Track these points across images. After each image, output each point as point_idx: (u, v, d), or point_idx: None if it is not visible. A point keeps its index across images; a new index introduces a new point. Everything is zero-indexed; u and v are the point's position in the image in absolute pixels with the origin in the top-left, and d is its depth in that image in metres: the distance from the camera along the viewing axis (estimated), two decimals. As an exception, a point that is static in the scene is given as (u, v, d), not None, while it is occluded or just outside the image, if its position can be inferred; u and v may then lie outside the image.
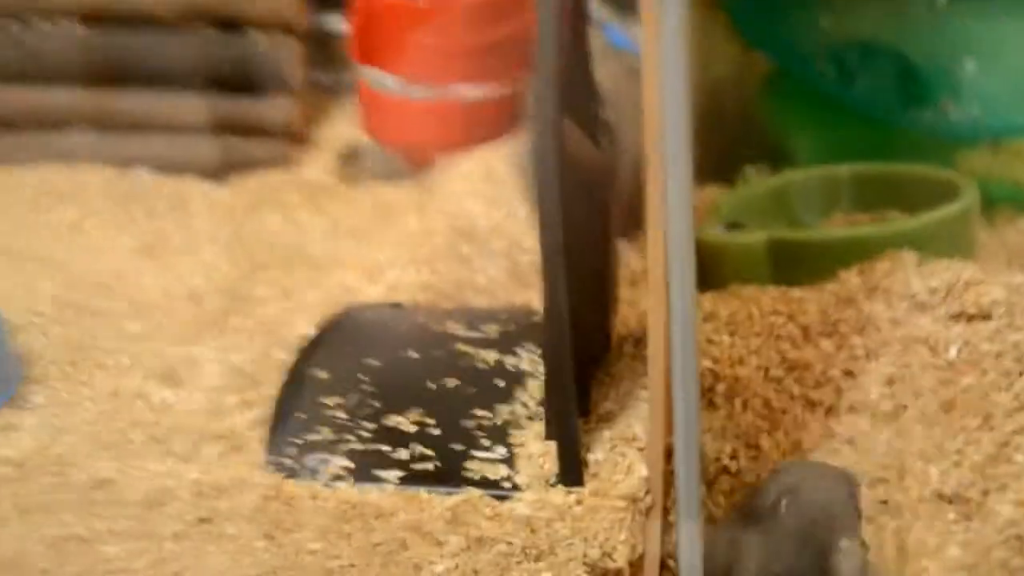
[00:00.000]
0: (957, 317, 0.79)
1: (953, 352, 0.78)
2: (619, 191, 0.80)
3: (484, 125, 0.75)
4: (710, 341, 0.83)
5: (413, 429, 0.76)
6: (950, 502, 0.74)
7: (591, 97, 0.81)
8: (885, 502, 0.77)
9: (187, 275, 0.95)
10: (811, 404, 0.81)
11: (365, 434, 0.76)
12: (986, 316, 0.78)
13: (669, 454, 0.72)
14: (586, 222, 0.75)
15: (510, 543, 0.72)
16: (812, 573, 0.74)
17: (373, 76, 0.74)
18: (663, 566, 0.74)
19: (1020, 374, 0.76)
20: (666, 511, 0.74)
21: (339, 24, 1.12)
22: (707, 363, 0.82)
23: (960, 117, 1.08)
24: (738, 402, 0.82)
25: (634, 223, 0.80)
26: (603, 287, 0.79)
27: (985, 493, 0.73)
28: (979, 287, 0.79)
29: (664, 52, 0.64)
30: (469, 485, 0.73)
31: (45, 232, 0.99)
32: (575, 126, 0.75)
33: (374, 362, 0.81)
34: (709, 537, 0.72)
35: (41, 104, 1.08)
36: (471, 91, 0.74)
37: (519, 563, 0.72)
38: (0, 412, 0.80)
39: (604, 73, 0.88)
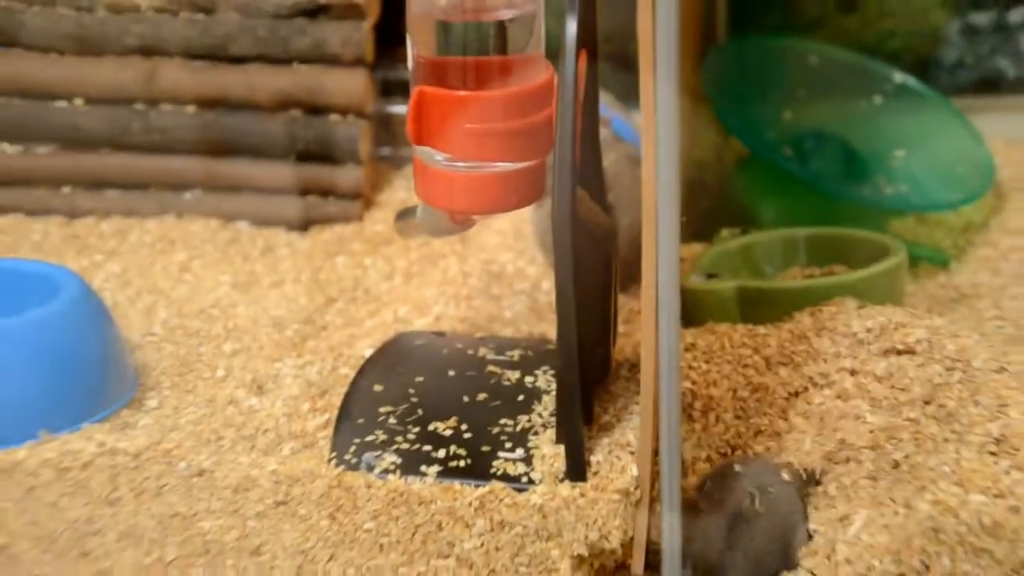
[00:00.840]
0: (888, 352, 0.78)
1: (866, 381, 0.78)
2: (618, 251, 0.80)
3: (514, 193, 0.75)
4: (690, 367, 0.82)
5: (450, 433, 0.75)
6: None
7: (599, 175, 0.80)
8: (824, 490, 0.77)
9: (272, 307, 0.95)
10: (769, 417, 0.80)
11: (411, 437, 0.75)
12: (911, 351, 0.77)
13: (656, 457, 0.71)
14: (593, 271, 0.75)
15: (526, 526, 0.71)
16: (782, 560, 0.74)
17: (425, 152, 0.74)
18: (649, 549, 0.74)
19: (931, 399, 0.75)
20: (652, 504, 0.73)
21: (400, 109, 1.13)
22: (687, 384, 0.81)
23: (892, 193, 1.08)
24: (712, 416, 0.81)
25: (628, 276, 0.79)
26: (605, 323, 0.79)
27: (901, 487, 0.72)
28: (906, 328, 0.78)
29: (659, 138, 0.63)
30: (494, 479, 0.72)
31: (160, 270, 1.00)
32: (586, 195, 0.75)
33: (420, 378, 0.80)
34: (694, 531, 0.71)
35: (163, 169, 1.09)
36: (504, 166, 0.74)
37: (533, 542, 0.71)
38: (120, 413, 0.80)
39: (610, 159, 0.88)
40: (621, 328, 0.86)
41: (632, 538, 0.73)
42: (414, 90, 0.73)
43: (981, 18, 1.24)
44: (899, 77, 1.15)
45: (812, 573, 0.71)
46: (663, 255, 0.67)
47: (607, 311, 0.79)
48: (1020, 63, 1.22)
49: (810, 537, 0.73)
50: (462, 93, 0.73)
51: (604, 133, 0.94)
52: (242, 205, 1.08)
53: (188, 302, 0.95)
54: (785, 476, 0.75)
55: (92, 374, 0.79)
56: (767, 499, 0.74)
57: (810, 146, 1.11)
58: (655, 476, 0.72)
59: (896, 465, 0.74)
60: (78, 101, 1.08)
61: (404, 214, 0.85)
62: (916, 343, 0.78)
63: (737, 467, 0.76)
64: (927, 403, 0.75)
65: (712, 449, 0.80)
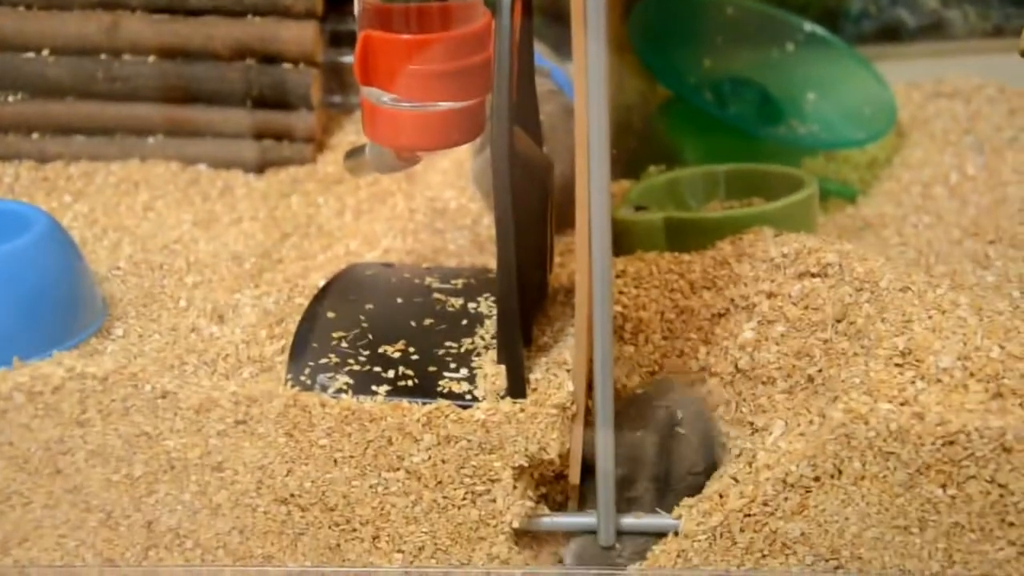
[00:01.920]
0: (802, 275, 0.77)
1: (782, 302, 0.77)
2: (554, 186, 0.79)
3: (456, 130, 0.74)
4: (621, 292, 0.81)
5: (398, 356, 0.74)
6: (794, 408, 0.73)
7: (535, 117, 0.79)
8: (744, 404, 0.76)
9: (231, 242, 0.93)
10: (693, 338, 0.79)
11: (362, 359, 0.73)
12: (824, 274, 0.76)
13: (590, 376, 0.71)
14: (529, 201, 0.73)
15: (470, 440, 0.70)
16: (702, 469, 0.73)
17: (372, 93, 0.73)
18: (584, 461, 0.73)
19: (842, 316, 0.74)
20: (587, 419, 0.72)
21: (348, 59, 1.11)
22: (618, 308, 0.80)
23: (804, 132, 1.07)
24: (641, 337, 0.80)
25: (563, 221, 0.78)
26: (542, 250, 0.77)
27: (816, 398, 0.72)
28: (818, 252, 0.77)
29: (590, 84, 0.63)
30: (440, 397, 0.71)
31: (125, 210, 0.97)
32: (523, 133, 0.74)
33: (370, 306, 0.78)
34: (619, 448, 0.71)
35: (126, 115, 1.06)
36: (445, 105, 0.73)
37: (477, 455, 0.70)
38: (89, 341, 0.78)
39: (547, 111, 0.87)
40: (557, 259, 0.85)
41: (569, 450, 0.72)
42: (361, 34, 0.72)
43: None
44: (809, 27, 1.14)
45: (735, 479, 0.70)
46: (595, 190, 0.66)
47: (543, 239, 0.77)
48: (918, 14, 1.22)
49: (725, 448, 0.73)
50: (406, 37, 0.72)
51: (544, 84, 0.93)
52: (202, 149, 1.06)
53: (152, 239, 0.92)
54: (702, 394, 0.75)
55: (62, 304, 0.77)
56: (684, 414, 0.74)
57: (729, 90, 1.10)
58: (589, 392, 0.71)
59: (811, 379, 0.74)
60: (45, 52, 1.05)
61: (353, 153, 0.84)
62: (828, 266, 0.77)
63: (656, 386, 0.76)
64: (838, 321, 0.74)
65: (642, 368, 0.79)
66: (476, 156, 0.97)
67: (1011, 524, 0.66)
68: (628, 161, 1.02)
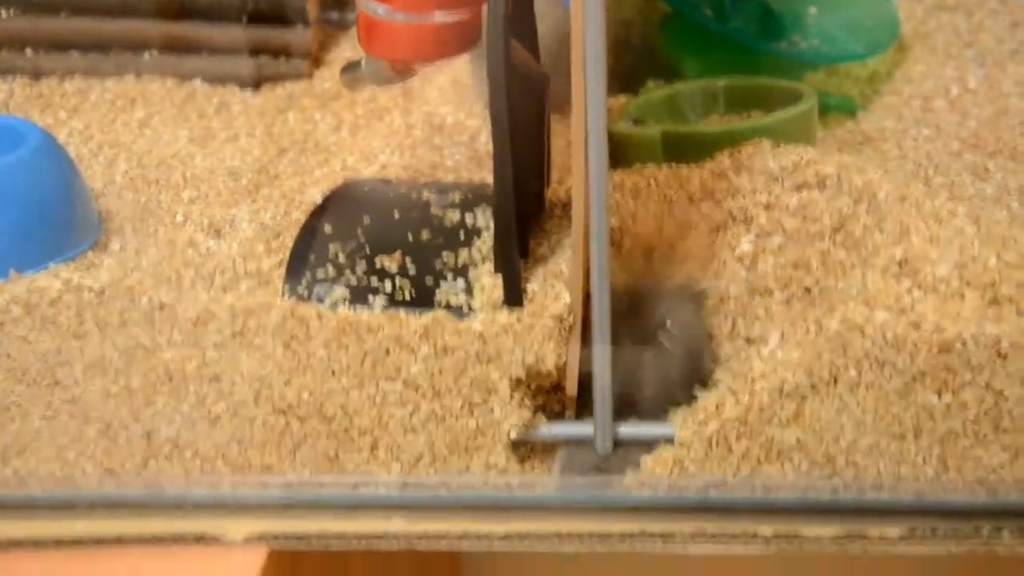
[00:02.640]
0: (800, 187, 0.77)
1: (780, 214, 0.77)
2: (550, 99, 0.79)
3: (451, 42, 0.74)
4: (618, 205, 0.81)
5: (395, 268, 0.74)
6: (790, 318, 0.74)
7: (532, 31, 0.78)
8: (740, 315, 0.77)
9: (228, 158, 0.93)
10: (691, 250, 0.80)
11: (359, 272, 0.74)
12: (822, 186, 0.76)
13: (587, 287, 0.71)
14: (525, 111, 0.73)
15: (467, 351, 0.70)
16: (693, 375, 0.74)
17: (368, 6, 0.73)
18: (581, 372, 0.73)
19: (840, 228, 0.74)
20: (584, 332, 0.73)
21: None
22: (615, 221, 0.80)
23: (805, 47, 1.06)
24: (638, 250, 0.80)
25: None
26: (539, 160, 0.77)
27: (813, 308, 0.72)
28: (817, 165, 0.77)
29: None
30: (437, 308, 0.71)
31: (121, 126, 0.97)
32: (519, 45, 0.73)
33: (367, 219, 0.78)
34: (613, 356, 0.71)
35: (122, 31, 1.06)
36: (442, 16, 0.73)
37: (474, 365, 0.71)
38: (86, 255, 0.78)
39: (546, 24, 0.86)
40: (555, 175, 0.85)
41: (566, 360, 0.72)
42: (355, -56, 0.72)
43: None
44: (811, -60, 1.13)
45: (730, 390, 0.71)
46: (591, 105, 0.66)
47: (540, 151, 0.77)
48: (923, -72, 1.20)
49: (718, 357, 0.74)
50: (400, -54, 0.72)
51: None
52: (197, 65, 1.05)
53: (148, 155, 0.92)
54: (696, 300, 0.75)
55: (58, 217, 0.77)
56: (676, 321, 0.74)
57: (729, 5, 1.09)
58: (586, 302, 0.71)
59: (808, 290, 0.74)
60: (38, -33, 1.05)
61: (349, 68, 0.83)
62: (826, 178, 0.77)
63: (649, 293, 0.76)
64: (836, 232, 0.74)
65: (638, 279, 0.79)
66: (476, 65, 0.97)
67: (1005, 430, 0.67)
68: (626, 76, 1.01)
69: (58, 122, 0.98)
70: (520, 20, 0.75)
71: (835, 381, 0.67)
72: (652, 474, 0.71)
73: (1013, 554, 0.69)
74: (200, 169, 0.91)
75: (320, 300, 0.72)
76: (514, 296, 0.71)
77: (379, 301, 0.72)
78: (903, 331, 0.66)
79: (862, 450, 0.69)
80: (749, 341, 0.75)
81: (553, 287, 0.73)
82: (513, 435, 0.72)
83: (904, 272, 0.69)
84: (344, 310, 0.71)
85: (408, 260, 0.75)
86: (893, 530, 0.69)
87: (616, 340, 0.71)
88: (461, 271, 0.74)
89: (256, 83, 1.05)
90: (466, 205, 0.81)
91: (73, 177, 0.80)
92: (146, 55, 1.05)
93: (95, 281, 0.72)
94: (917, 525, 0.69)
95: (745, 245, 0.77)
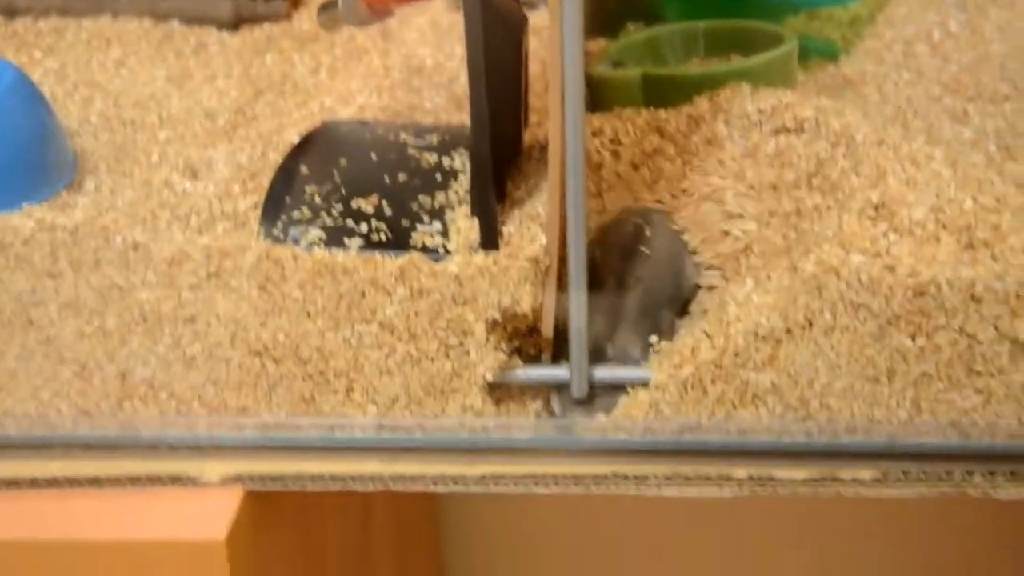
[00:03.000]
0: (778, 131, 0.77)
1: (758, 157, 0.77)
2: (528, 41, 0.78)
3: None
4: (597, 151, 0.81)
5: (371, 210, 0.74)
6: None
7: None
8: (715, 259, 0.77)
9: (205, 99, 0.92)
10: (669, 195, 0.79)
11: (335, 213, 0.74)
12: (800, 130, 0.76)
13: (564, 230, 0.71)
14: (503, 52, 0.73)
15: (443, 293, 0.70)
16: (673, 288, 0.74)
17: (344, -55, 0.72)
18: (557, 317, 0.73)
19: (817, 172, 0.74)
20: (560, 277, 0.72)
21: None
22: (592, 163, 0.80)
23: (788, -11, 1.06)
24: (614, 195, 0.80)
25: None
26: (516, 101, 0.77)
27: (789, 252, 0.72)
28: (795, 108, 0.77)
29: None
30: (413, 250, 0.71)
31: (97, 66, 0.96)
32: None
33: (344, 161, 0.78)
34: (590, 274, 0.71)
35: (96, -29, 1.04)
36: (420, -44, 0.72)
37: (450, 307, 0.71)
38: (60, 195, 0.78)
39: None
40: (534, 119, 0.85)
41: (542, 303, 0.72)
42: None
43: None
44: None
45: (706, 333, 0.71)
46: (567, 46, 0.65)
47: (517, 93, 0.77)
48: None
49: (697, 283, 0.74)
50: None
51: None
52: (174, 5, 1.04)
53: (123, 95, 0.91)
54: (669, 221, 0.75)
55: (32, 157, 0.77)
56: (653, 230, 0.74)
57: (710, -53, 1.08)
58: (563, 244, 0.71)
59: (784, 235, 0.74)
60: (12, -96, 1.03)
61: (326, 7, 0.83)
62: (804, 121, 0.77)
63: (624, 213, 0.76)
64: (813, 176, 0.74)
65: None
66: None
67: (978, 373, 0.67)
68: (606, 19, 1.00)
69: (33, 61, 0.97)
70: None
71: (810, 324, 0.68)
72: (627, 417, 0.71)
73: (984, 497, 0.69)
74: (177, 110, 0.90)
75: (296, 242, 0.72)
76: (490, 238, 0.71)
77: (355, 243, 0.72)
78: (878, 274, 0.66)
79: (836, 393, 0.69)
80: (723, 284, 0.75)
81: (529, 229, 0.72)
82: (489, 377, 0.72)
83: (880, 215, 0.69)
84: (320, 252, 0.71)
85: (384, 202, 0.75)
86: (866, 473, 0.70)
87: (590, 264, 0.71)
88: (438, 213, 0.74)
89: (234, 24, 1.04)
90: (444, 147, 0.80)
91: (47, 117, 0.79)
92: (123, -6, 1.04)
93: (69, 220, 0.71)
94: (890, 468, 0.70)
95: (721, 187, 0.77)
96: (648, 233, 0.75)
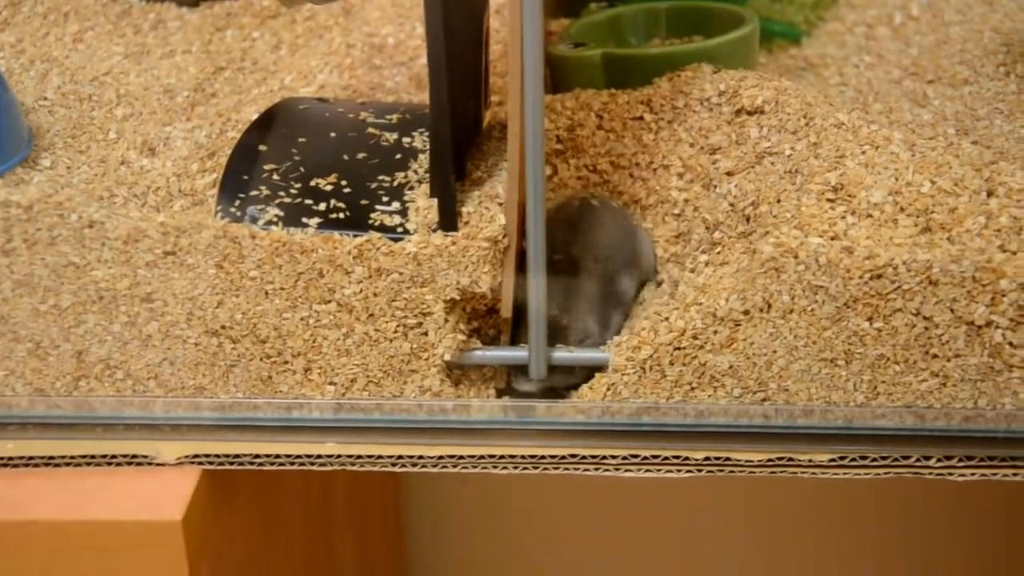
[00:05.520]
0: (739, 112, 0.77)
1: (718, 139, 0.77)
2: (489, 19, 0.78)
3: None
4: (557, 135, 0.81)
5: (330, 189, 0.73)
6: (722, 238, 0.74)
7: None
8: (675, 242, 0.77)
9: (164, 76, 0.91)
10: (628, 175, 0.79)
11: (293, 192, 0.73)
12: (760, 111, 0.76)
13: (523, 211, 0.70)
14: (463, 30, 0.72)
15: (402, 273, 0.70)
16: (628, 255, 0.74)
17: (304, -78, 0.71)
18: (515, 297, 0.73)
19: (777, 151, 0.74)
20: (519, 256, 0.72)
21: None
22: (551, 143, 0.79)
23: (750, -29, 1.05)
24: (573, 172, 0.80)
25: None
26: (476, 80, 0.76)
27: (748, 234, 0.72)
28: (754, 89, 0.77)
29: None
30: (372, 230, 0.70)
31: (54, 41, 0.95)
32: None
33: (302, 139, 0.77)
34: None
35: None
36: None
37: (408, 288, 0.70)
38: (15, 170, 0.77)
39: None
40: (495, 98, 0.84)
41: (501, 283, 0.72)
42: None
43: None
44: None
45: (664, 315, 0.71)
46: (527, 26, 0.65)
47: (477, 72, 0.76)
48: None
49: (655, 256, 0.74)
50: None
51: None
52: (134, -20, 1.03)
53: (81, 70, 0.90)
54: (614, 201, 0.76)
55: (-15, 134, 0.75)
56: (604, 203, 0.74)
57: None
58: (521, 225, 0.71)
59: (744, 216, 0.74)
60: None
61: (287, -16, 0.82)
62: (764, 103, 0.76)
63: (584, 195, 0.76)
64: (772, 156, 0.74)
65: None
66: None
67: (935, 356, 0.67)
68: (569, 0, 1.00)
69: (-11, 36, 0.95)
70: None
71: (768, 306, 0.67)
72: (586, 398, 0.71)
73: (940, 480, 0.70)
74: (134, 86, 0.89)
75: (253, 220, 0.71)
76: (449, 219, 0.70)
77: (313, 221, 0.71)
78: (836, 256, 0.66)
79: (794, 375, 0.69)
80: (684, 266, 0.74)
81: (488, 210, 0.72)
82: (447, 358, 0.72)
83: (839, 197, 0.69)
84: (278, 230, 0.70)
85: (343, 181, 0.74)
86: (823, 455, 0.70)
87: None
88: (397, 193, 0.73)
89: (194, 0, 1.03)
90: (404, 127, 0.79)
91: (2, 91, 0.78)
92: (80, -31, 1.03)
93: (23, 197, 0.70)
94: (847, 451, 0.70)
95: (678, 164, 0.76)
96: (598, 210, 0.75)
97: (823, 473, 0.70)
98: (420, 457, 0.72)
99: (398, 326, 0.71)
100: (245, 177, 0.74)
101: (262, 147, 0.76)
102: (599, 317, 0.73)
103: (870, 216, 0.67)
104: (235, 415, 0.73)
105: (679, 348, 0.69)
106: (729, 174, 0.75)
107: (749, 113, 0.76)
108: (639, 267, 0.75)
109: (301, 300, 0.70)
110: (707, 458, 0.70)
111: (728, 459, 0.70)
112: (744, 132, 0.76)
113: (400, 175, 0.75)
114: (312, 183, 0.73)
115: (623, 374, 0.70)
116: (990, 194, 0.68)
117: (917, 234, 0.67)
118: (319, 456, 0.72)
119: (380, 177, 0.74)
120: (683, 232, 0.77)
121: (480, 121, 0.79)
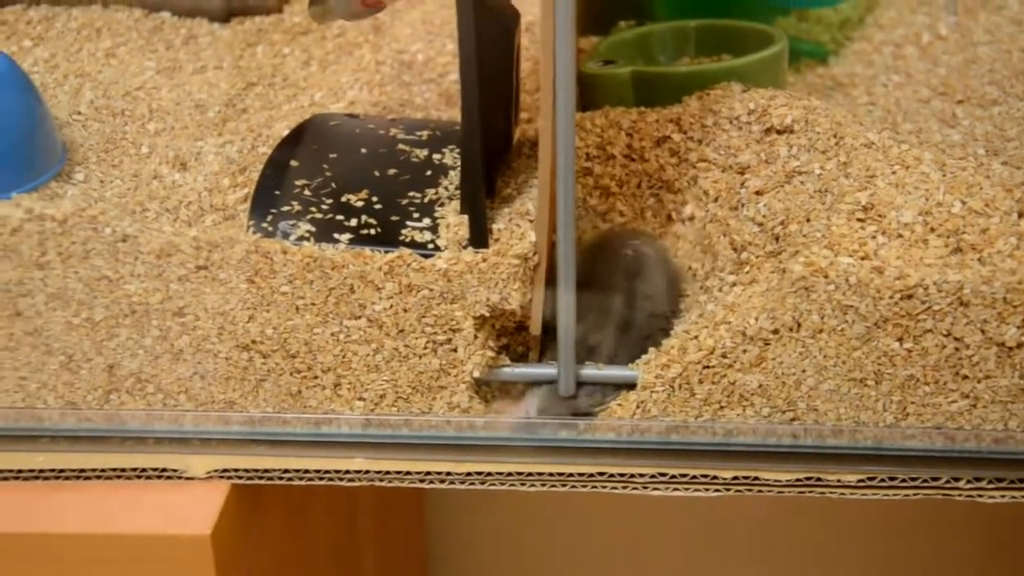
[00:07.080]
0: (768, 131, 0.77)
1: (747, 157, 0.77)
2: (521, 36, 0.78)
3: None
4: (587, 153, 0.81)
5: (361, 205, 0.73)
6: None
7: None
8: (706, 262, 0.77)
9: (195, 91, 0.92)
10: (659, 193, 0.79)
11: (324, 207, 0.73)
12: (789, 130, 0.76)
13: (553, 228, 0.70)
14: (495, 47, 0.72)
15: (432, 289, 0.70)
16: (668, 302, 0.74)
17: (336, -61, 0.72)
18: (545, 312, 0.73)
19: (807, 171, 0.74)
20: (550, 272, 0.72)
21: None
22: (583, 162, 0.79)
23: (779, -10, 1.05)
24: (605, 195, 0.80)
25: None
26: (507, 97, 0.77)
27: (777, 254, 0.72)
28: (784, 108, 0.77)
29: None
30: (402, 246, 0.71)
31: (87, 56, 0.95)
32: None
33: (333, 155, 0.78)
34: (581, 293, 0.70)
35: (87, -39, 1.03)
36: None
37: (439, 304, 0.70)
38: (49, 184, 0.77)
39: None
40: (524, 115, 0.84)
41: (530, 300, 0.72)
42: None
43: None
44: None
45: (694, 334, 0.71)
46: (560, 45, 0.65)
47: (508, 89, 0.76)
48: None
49: (686, 289, 0.73)
50: None
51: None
52: (166, -4, 1.03)
53: (114, 85, 0.91)
54: (665, 244, 0.75)
55: (21, 147, 0.76)
56: (642, 252, 0.74)
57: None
58: (552, 243, 0.71)
59: (774, 236, 0.74)
60: None
61: (317, 0, 0.82)
62: (793, 122, 0.76)
63: (610, 234, 0.76)
64: (801, 176, 0.74)
65: (605, 219, 0.79)
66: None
67: (964, 377, 0.67)
68: (598, 16, 1.00)
69: (22, 50, 0.96)
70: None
71: (798, 325, 0.67)
72: (615, 416, 0.71)
73: (970, 502, 0.69)
74: (167, 101, 0.90)
75: (285, 235, 0.71)
76: (479, 236, 0.71)
77: (344, 237, 0.71)
78: (866, 276, 0.66)
79: (823, 395, 0.69)
80: (713, 285, 0.74)
81: (519, 227, 0.72)
82: (476, 375, 0.72)
83: (869, 217, 0.69)
84: (309, 246, 0.70)
85: (374, 197, 0.74)
86: (852, 476, 0.70)
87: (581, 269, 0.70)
88: (427, 209, 0.73)
89: (225, 16, 1.03)
90: (434, 143, 0.80)
91: (36, 105, 0.78)
92: (113, -15, 1.04)
93: (57, 211, 0.71)
94: (876, 471, 0.69)
95: (711, 187, 0.76)
96: (640, 263, 0.75)
97: (852, 494, 0.70)
98: (448, 474, 0.72)
99: (428, 342, 0.71)
100: (276, 192, 0.74)
101: (293, 162, 0.77)
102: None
103: (900, 236, 0.67)
104: (265, 430, 0.73)
105: (708, 367, 0.69)
106: (759, 193, 0.75)
107: (779, 132, 0.76)
108: (675, 307, 0.75)
109: (332, 315, 0.71)
110: (735, 477, 0.70)
111: (756, 478, 0.70)
112: (773, 151, 0.76)
113: (431, 191, 0.75)
114: (343, 199, 0.74)
115: (652, 391, 0.70)
116: (1021, 215, 0.68)
117: (948, 255, 0.66)
118: (347, 471, 0.72)
119: (411, 193, 0.75)
120: (709, 250, 0.77)
121: (510, 138, 0.79)
